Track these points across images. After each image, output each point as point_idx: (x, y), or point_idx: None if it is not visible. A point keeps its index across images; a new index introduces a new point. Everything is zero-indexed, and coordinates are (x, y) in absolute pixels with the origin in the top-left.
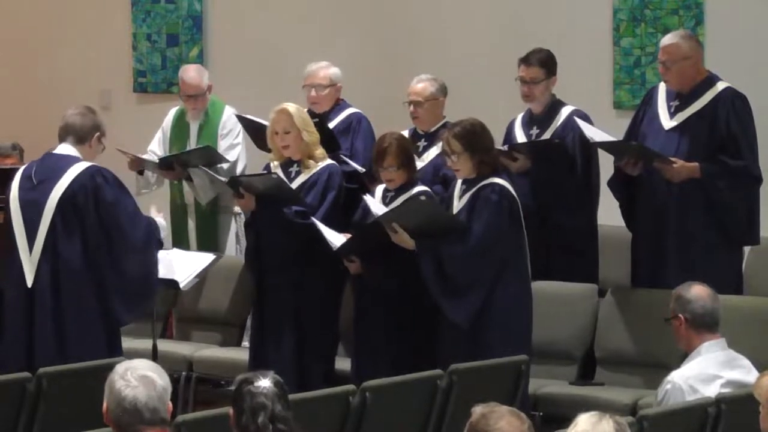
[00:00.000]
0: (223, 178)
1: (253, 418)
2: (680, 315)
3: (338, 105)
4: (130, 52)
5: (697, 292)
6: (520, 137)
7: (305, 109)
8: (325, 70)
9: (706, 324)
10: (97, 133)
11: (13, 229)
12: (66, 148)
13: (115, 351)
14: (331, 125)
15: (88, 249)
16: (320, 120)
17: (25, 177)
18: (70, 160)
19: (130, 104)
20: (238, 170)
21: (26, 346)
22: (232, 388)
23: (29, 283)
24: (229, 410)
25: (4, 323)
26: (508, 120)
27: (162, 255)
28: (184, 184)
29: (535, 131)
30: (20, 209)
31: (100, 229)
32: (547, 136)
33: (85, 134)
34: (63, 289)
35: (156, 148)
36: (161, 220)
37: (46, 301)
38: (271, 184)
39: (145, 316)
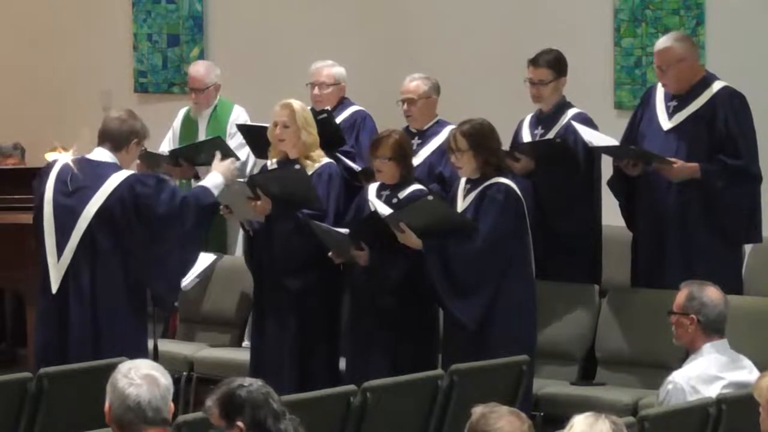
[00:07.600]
0: (241, 180)
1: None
2: (693, 315)
3: (342, 103)
4: (131, 52)
5: (713, 296)
6: (527, 137)
7: (309, 107)
8: (329, 69)
9: (717, 329)
10: (135, 139)
11: (43, 231)
12: (102, 153)
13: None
14: None
15: (126, 258)
16: (328, 115)
17: (61, 181)
18: (107, 168)
19: (131, 104)
20: (247, 171)
21: (59, 351)
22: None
23: (54, 289)
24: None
25: (36, 327)
26: (508, 120)
27: None
28: (192, 183)
29: (539, 131)
30: (53, 213)
31: (142, 232)
32: (550, 136)
33: (122, 141)
34: (96, 296)
35: (166, 148)
36: (217, 177)
37: (77, 307)
38: (294, 176)
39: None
